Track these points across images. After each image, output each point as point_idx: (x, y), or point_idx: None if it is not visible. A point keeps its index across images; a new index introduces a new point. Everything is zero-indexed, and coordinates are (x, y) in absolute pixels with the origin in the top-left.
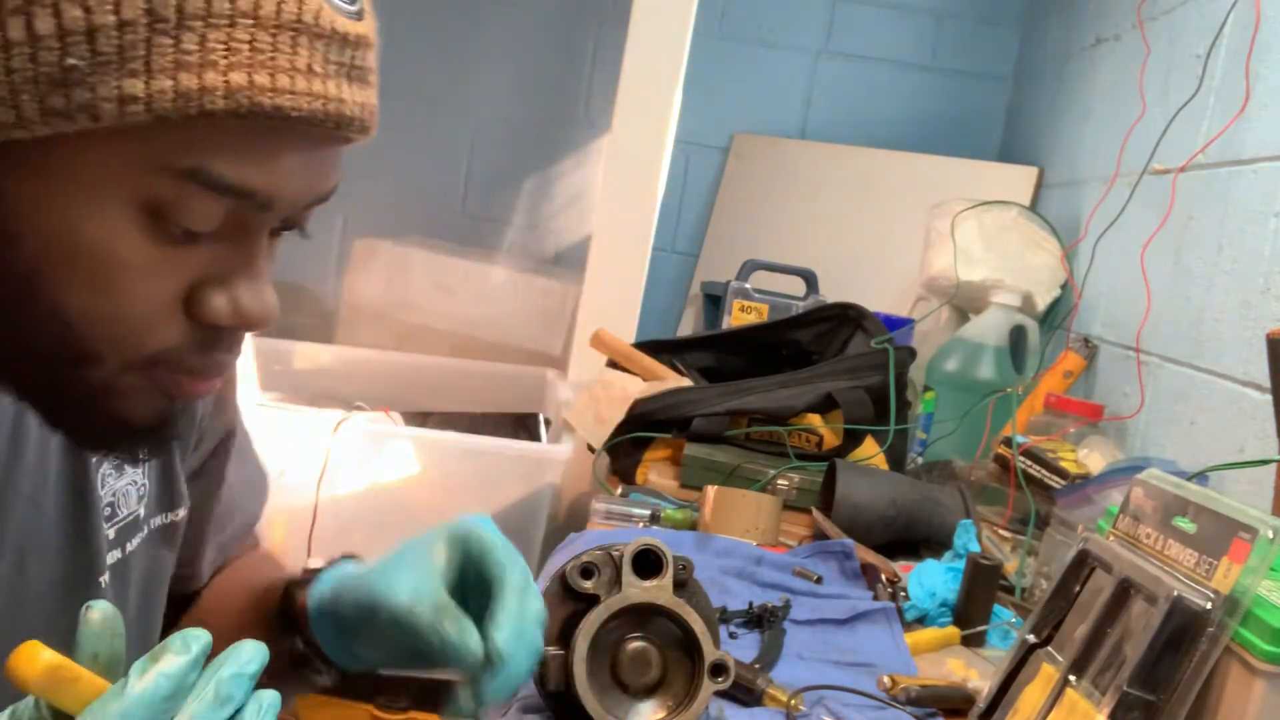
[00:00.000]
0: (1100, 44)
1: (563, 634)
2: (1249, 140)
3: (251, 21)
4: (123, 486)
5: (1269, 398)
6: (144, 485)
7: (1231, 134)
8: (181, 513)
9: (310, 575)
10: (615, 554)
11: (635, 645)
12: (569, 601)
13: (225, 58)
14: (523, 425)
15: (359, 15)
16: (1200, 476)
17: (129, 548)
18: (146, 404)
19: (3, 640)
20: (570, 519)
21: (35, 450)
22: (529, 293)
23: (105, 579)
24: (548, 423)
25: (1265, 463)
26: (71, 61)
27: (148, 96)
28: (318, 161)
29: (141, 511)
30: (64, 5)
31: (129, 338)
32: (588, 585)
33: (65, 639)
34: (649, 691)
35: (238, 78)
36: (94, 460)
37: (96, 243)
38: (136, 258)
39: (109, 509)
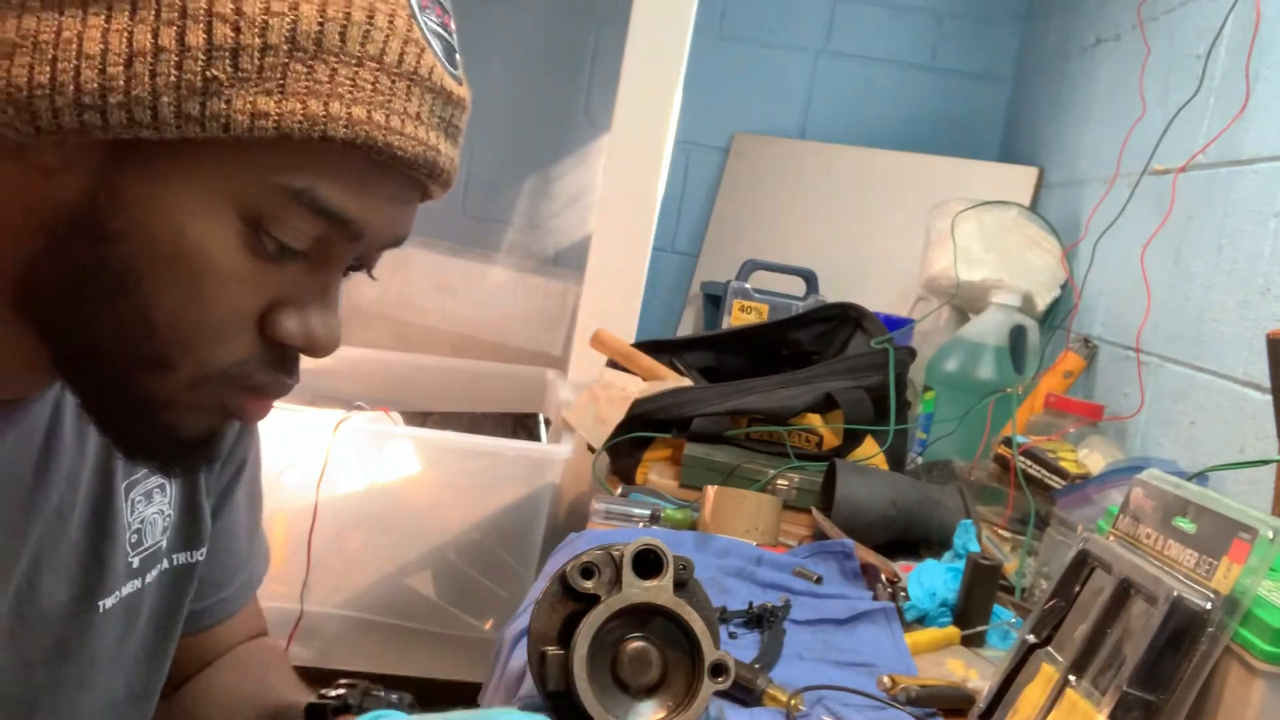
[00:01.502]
0: (1100, 44)
1: (563, 634)
2: (1249, 140)
3: (376, 65)
4: (150, 515)
5: (1269, 398)
6: (169, 517)
7: (1231, 134)
8: (202, 553)
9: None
10: (615, 554)
11: (635, 645)
12: (569, 601)
13: (350, 92)
14: (523, 425)
15: (460, 80)
16: (1200, 476)
17: (148, 579)
18: (200, 420)
19: (3, 657)
20: (570, 519)
21: (69, 463)
22: (529, 293)
23: (107, 604)
24: (548, 423)
25: (1265, 463)
26: (214, 73)
27: (278, 115)
28: (402, 206)
29: (164, 544)
30: (216, 23)
31: (206, 347)
32: (588, 585)
33: (57, 665)
34: (649, 691)
35: (359, 111)
36: (124, 483)
37: (197, 246)
38: (230, 266)
39: (135, 535)
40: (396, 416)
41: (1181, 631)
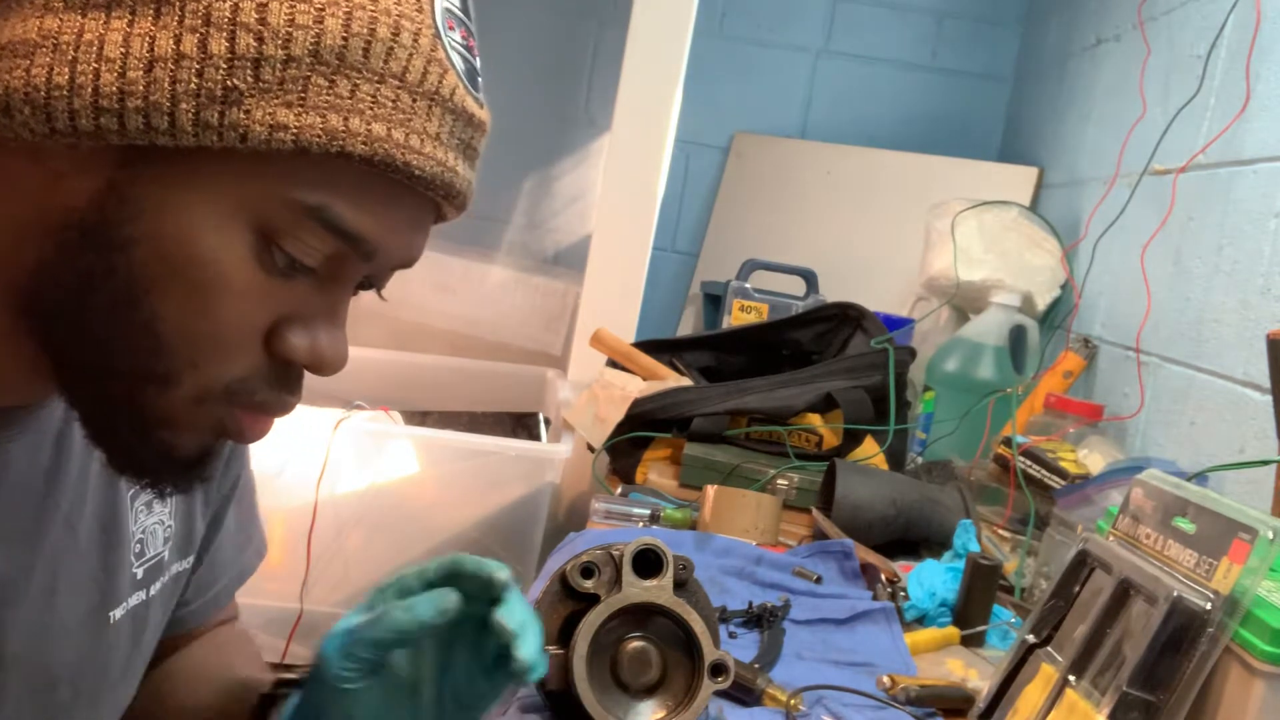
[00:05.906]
0: (1100, 44)
1: (563, 634)
2: (1249, 140)
3: (398, 82)
4: (151, 525)
5: (1269, 398)
6: (170, 527)
7: (1232, 134)
8: (189, 561)
9: (281, 690)
10: (615, 554)
11: (635, 645)
12: (569, 601)
13: (371, 108)
14: (523, 425)
15: (481, 103)
16: (1200, 477)
17: (152, 590)
18: (196, 439)
19: (29, 672)
20: (570, 519)
21: (77, 471)
22: (529, 292)
23: (117, 615)
24: (548, 422)
25: (1265, 463)
26: (234, 83)
27: (297, 128)
28: (417, 227)
29: (166, 554)
30: (240, 32)
31: (211, 362)
32: (588, 585)
33: (78, 680)
34: (649, 691)
35: (379, 128)
36: (129, 492)
37: (208, 258)
38: (240, 280)
39: (138, 545)
40: (396, 416)
41: (1181, 632)
